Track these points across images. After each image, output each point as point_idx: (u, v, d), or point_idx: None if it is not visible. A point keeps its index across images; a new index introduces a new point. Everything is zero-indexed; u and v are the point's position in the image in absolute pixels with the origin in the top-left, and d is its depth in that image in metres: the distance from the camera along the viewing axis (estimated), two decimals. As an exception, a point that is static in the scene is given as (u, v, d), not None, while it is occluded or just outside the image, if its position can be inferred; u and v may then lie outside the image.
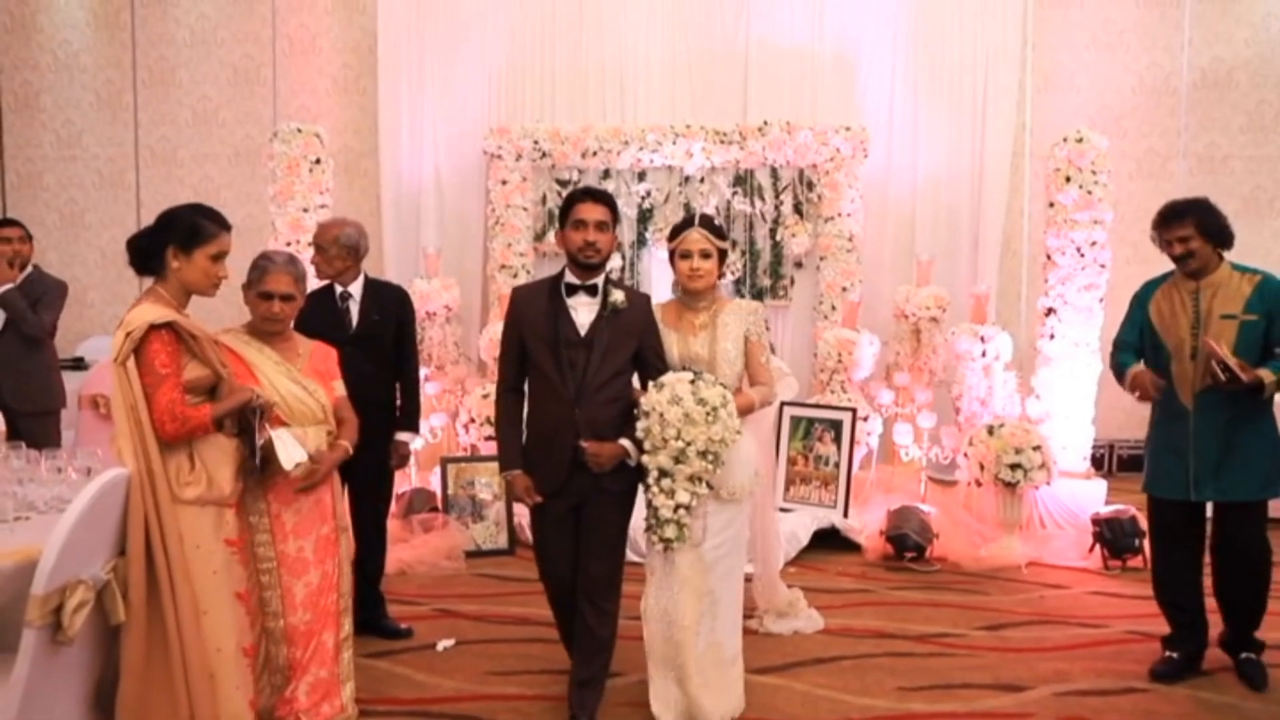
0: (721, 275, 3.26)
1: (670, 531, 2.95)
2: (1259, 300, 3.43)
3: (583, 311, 3.06)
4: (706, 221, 3.21)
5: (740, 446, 3.03)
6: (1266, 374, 3.32)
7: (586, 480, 3.03)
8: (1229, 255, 3.61)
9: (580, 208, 3.04)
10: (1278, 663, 3.63)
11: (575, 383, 3.01)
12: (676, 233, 3.23)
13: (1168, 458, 3.60)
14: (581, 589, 3.11)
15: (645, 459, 2.94)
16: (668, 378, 2.97)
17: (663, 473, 2.92)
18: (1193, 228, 3.50)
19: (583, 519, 3.09)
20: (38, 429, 4.65)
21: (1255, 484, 3.47)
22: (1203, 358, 3.42)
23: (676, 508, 2.93)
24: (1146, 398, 3.59)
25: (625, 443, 3.02)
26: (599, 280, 3.08)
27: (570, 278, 3.08)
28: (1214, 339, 3.39)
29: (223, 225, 2.81)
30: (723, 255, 3.22)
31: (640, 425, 2.94)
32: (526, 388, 3.18)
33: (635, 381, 3.16)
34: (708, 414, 2.86)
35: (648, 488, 2.98)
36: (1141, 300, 3.74)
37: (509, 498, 3.08)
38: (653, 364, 3.13)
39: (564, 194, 3.21)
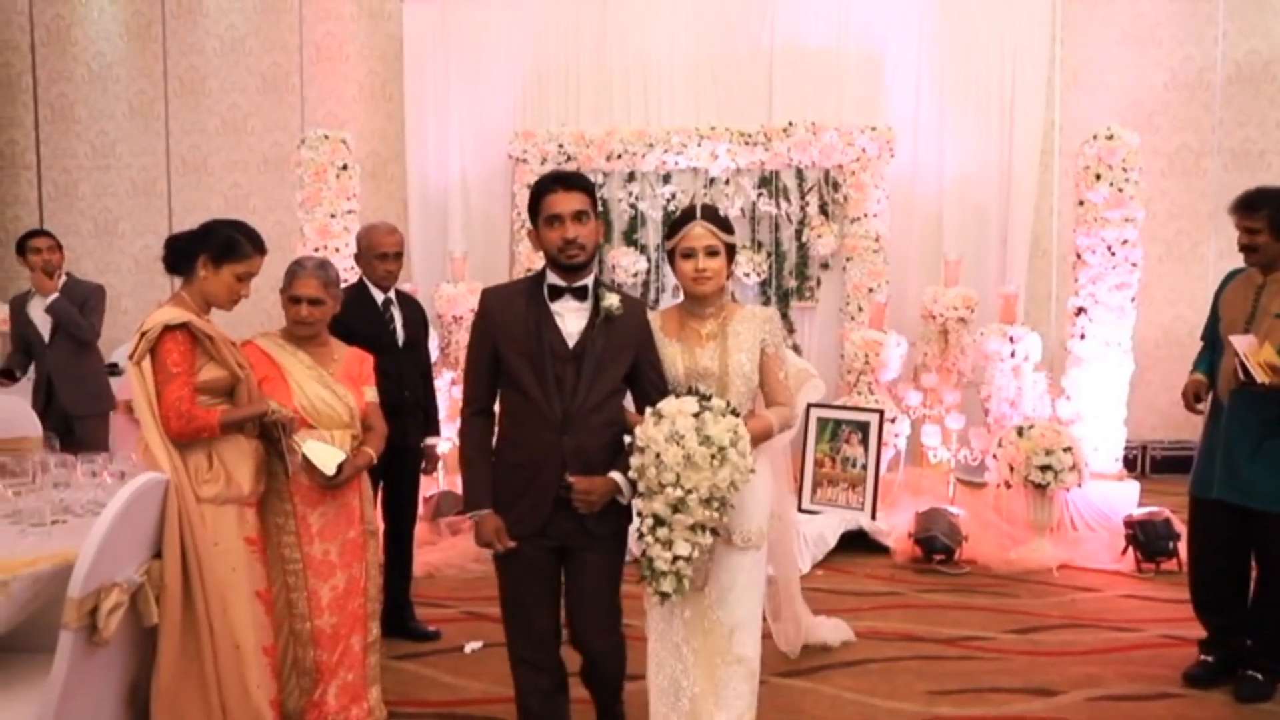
0: (730, 274, 2.77)
1: (668, 585, 2.45)
2: None
3: (570, 318, 2.57)
4: (710, 213, 2.71)
5: (755, 484, 2.57)
6: None
7: (571, 521, 2.53)
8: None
9: (550, 200, 2.53)
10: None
11: (563, 404, 2.51)
12: (676, 228, 2.71)
13: (1202, 453, 3.55)
14: (576, 643, 2.68)
15: (638, 503, 2.46)
16: (668, 406, 2.44)
17: (658, 521, 2.43)
18: (1264, 222, 3.35)
19: (568, 569, 2.62)
20: (93, 431, 4.78)
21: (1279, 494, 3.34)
22: (1229, 354, 3.35)
23: (675, 559, 2.43)
24: (1189, 407, 3.57)
25: (616, 477, 2.52)
26: (588, 281, 2.59)
27: (554, 279, 2.58)
28: (1263, 337, 3.28)
29: (258, 248, 2.87)
30: (731, 251, 2.71)
31: (633, 462, 2.45)
32: (498, 409, 2.67)
33: (628, 402, 2.71)
34: (713, 456, 2.36)
35: (640, 535, 2.47)
36: (1218, 290, 3.64)
37: (477, 542, 2.59)
38: (651, 381, 2.65)
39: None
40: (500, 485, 2.57)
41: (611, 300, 2.57)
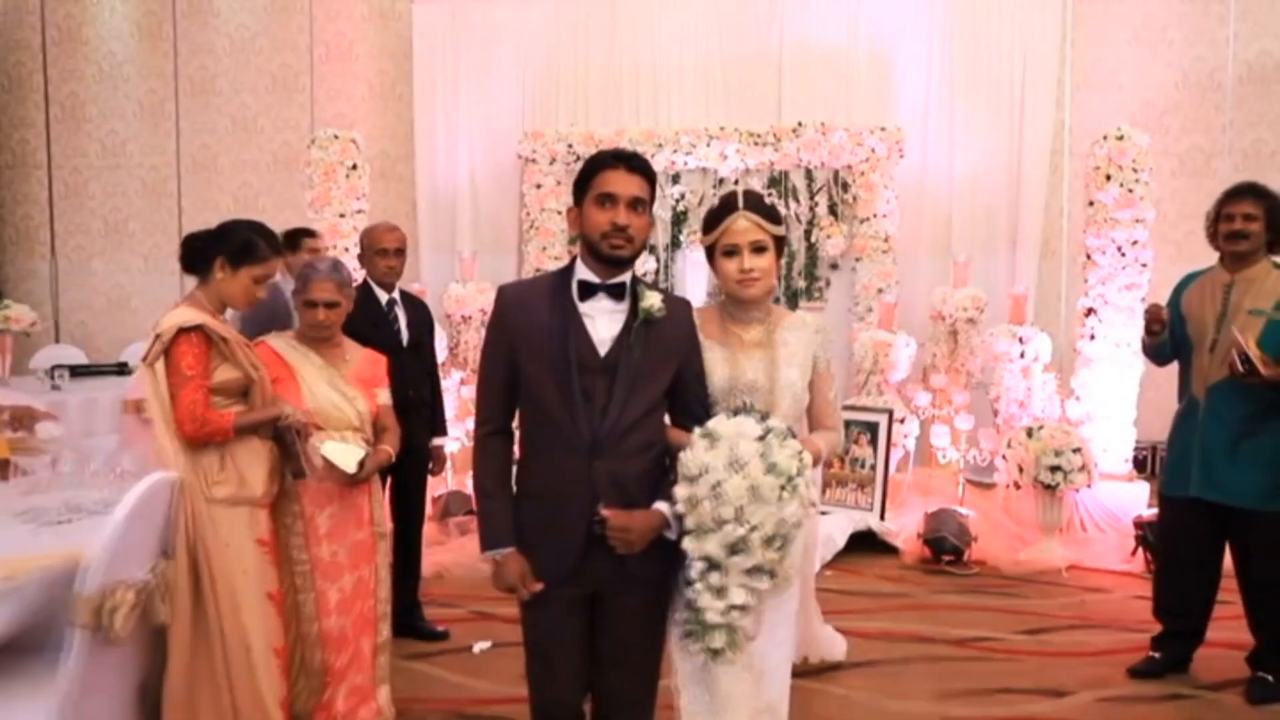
0: (779, 272, 2.33)
1: (718, 640, 2.06)
2: None
3: (603, 322, 2.15)
4: (754, 202, 2.31)
5: None
6: None
7: (607, 562, 2.10)
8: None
9: (608, 177, 2.13)
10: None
11: (593, 425, 2.10)
12: (715, 220, 2.32)
13: (1176, 452, 3.56)
14: (599, 714, 2.26)
15: (687, 543, 2.05)
16: (724, 427, 2.05)
17: (711, 564, 2.03)
18: (1262, 210, 3.41)
19: (601, 618, 2.19)
20: None
21: (1260, 490, 3.35)
22: (1224, 347, 3.36)
23: (728, 609, 2.05)
24: (1153, 324, 3.53)
25: (663, 508, 2.11)
26: (625, 278, 2.17)
27: (586, 273, 2.16)
28: (1240, 333, 3.32)
29: (275, 250, 2.87)
30: (780, 245, 2.33)
31: (681, 494, 2.04)
32: (518, 428, 2.26)
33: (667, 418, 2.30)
34: (783, 487, 1.99)
35: (689, 581, 2.07)
36: (1178, 291, 3.68)
37: (498, 587, 2.21)
38: (694, 395, 2.25)
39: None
40: (523, 520, 2.17)
41: (652, 300, 2.15)
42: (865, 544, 5.27)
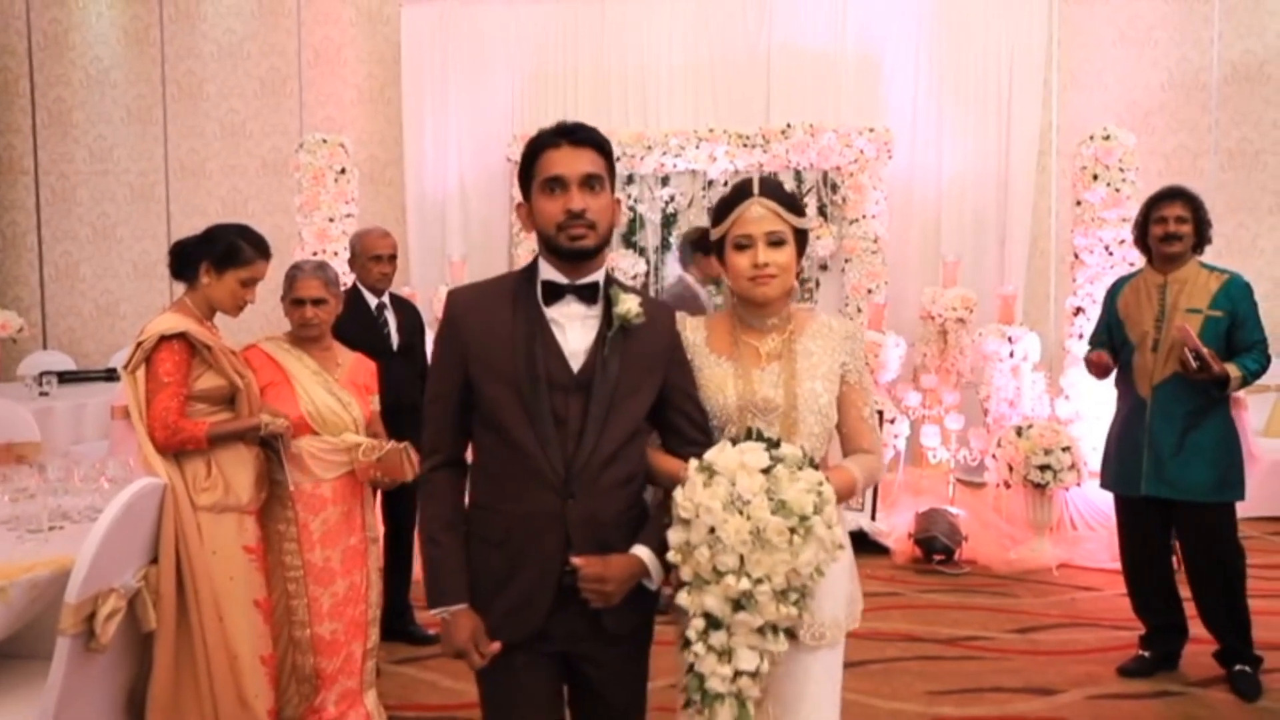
0: (800, 271, 2.00)
1: (725, 714, 1.71)
2: (1225, 297, 3.45)
3: (574, 330, 1.81)
4: (771, 188, 1.94)
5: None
6: (1233, 369, 3.34)
7: (580, 619, 1.78)
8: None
9: (551, 158, 1.77)
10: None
11: (567, 455, 1.76)
12: (726, 209, 1.95)
13: (1125, 452, 3.62)
14: None
15: (682, 597, 1.73)
16: (724, 459, 1.71)
17: (713, 622, 1.70)
18: (1190, 212, 3.54)
19: (575, 681, 1.88)
20: None
21: (1210, 484, 3.43)
22: (1169, 345, 3.44)
23: (736, 675, 1.70)
24: (1102, 372, 3.69)
25: (642, 553, 1.79)
26: (598, 277, 1.84)
27: (550, 273, 1.82)
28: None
29: (262, 253, 2.86)
30: (802, 240, 1.96)
31: (673, 538, 1.72)
32: (473, 458, 1.89)
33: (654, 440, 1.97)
34: (793, 530, 1.64)
35: (685, 643, 1.74)
36: (1110, 296, 3.78)
37: (445, 651, 1.81)
38: (685, 414, 1.91)
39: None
40: (479, 570, 1.81)
41: (629, 304, 1.80)
42: (856, 544, 5.15)
